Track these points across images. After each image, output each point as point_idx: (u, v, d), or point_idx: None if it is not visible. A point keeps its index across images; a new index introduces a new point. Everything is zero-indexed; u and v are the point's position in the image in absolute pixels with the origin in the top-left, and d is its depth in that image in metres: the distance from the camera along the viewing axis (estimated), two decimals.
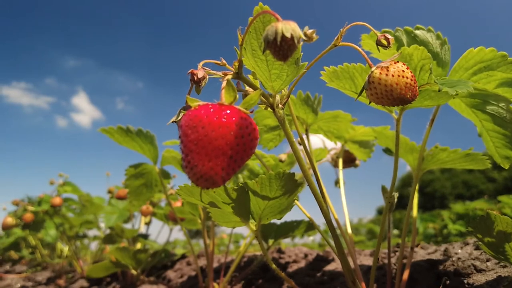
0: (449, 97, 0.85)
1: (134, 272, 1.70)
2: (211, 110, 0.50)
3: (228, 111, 0.51)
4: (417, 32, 0.89)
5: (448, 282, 1.11)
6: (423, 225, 3.72)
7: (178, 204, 1.89)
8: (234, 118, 0.50)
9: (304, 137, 1.24)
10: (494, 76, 0.83)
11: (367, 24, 0.70)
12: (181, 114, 0.63)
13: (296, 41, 0.50)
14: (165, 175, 1.65)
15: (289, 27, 0.49)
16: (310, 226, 1.39)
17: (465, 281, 1.06)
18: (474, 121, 0.94)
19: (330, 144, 1.46)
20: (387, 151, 1.33)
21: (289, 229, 1.39)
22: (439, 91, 0.69)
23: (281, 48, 0.50)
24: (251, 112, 0.55)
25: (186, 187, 0.84)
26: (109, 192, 2.72)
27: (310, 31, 0.56)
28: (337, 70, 0.85)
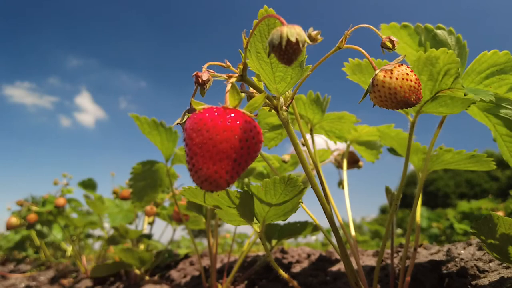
0: (464, 107, 0.84)
1: (138, 272, 1.71)
2: (216, 113, 0.51)
3: (233, 115, 0.51)
4: (438, 31, 0.88)
5: (451, 283, 1.11)
6: (428, 225, 3.71)
7: (182, 203, 1.90)
8: (238, 122, 0.50)
9: (309, 136, 1.24)
10: (507, 79, 0.81)
11: (372, 27, 0.70)
12: (185, 117, 0.63)
13: (301, 45, 0.50)
14: (172, 174, 1.66)
15: (294, 31, 0.49)
16: (313, 227, 1.39)
17: (468, 282, 1.06)
18: (487, 125, 0.93)
19: (333, 145, 1.45)
20: (391, 150, 1.32)
21: (293, 230, 1.39)
22: (464, 95, 0.68)
23: (286, 52, 0.50)
24: (255, 115, 0.55)
25: (190, 189, 0.84)
26: (114, 192, 2.73)
27: (315, 32, 0.56)
28: (361, 63, 0.84)
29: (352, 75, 0.89)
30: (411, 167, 1.12)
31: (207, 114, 0.50)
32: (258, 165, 1.42)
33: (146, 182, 1.51)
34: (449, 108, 0.87)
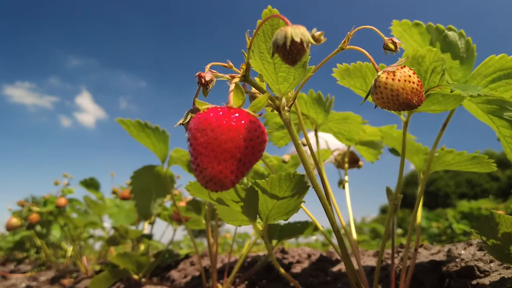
0: (456, 103, 0.85)
1: (136, 277, 1.71)
2: (220, 113, 0.51)
3: (237, 114, 0.51)
4: (449, 33, 0.88)
5: (451, 283, 1.11)
6: (428, 225, 3.72)
7: (182, 204, 1.90)
8: (243, 121, 0.51)
9: (313, 136, 1.24)
10: None
11: (374, 28, 0.71)
12: (189, 117, 0.63)
13: (305, 45, 0.50)
14: (170, 175, 1.65)
15: (298, 32, 0.50)
16: (314, 227, 1.39)
17: (469, 283, 1.06)
18: (491, 126, 0.93)
19: (333, 144, 1.45)
20: (393, 151, 1.32)
21: (293, 230, 1.39)
22: (451, 91, 0.69)
23: (291, 52, 0.50)
24: (260, 115, 0.55)
25: (195, 183, 0.85)
26: (114, 192, 2.72)
27: (318, 33, 0.56)
28: (349, 68, 0.85)
29: (341, 80, 0.89)
30: (411, 167, 1.12)
31: (212, 114, 0.50)
32: (259, 165, 1.42)
33: (146, 197, 1.50)
34: (442, 105, 0.87)
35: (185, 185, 0.89)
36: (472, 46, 0.88)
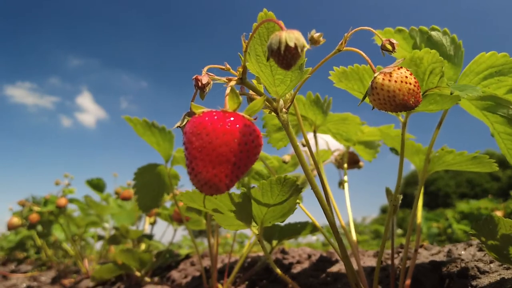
0: (453, 102, 0.85)
1: (138, 273, 1.71)
2: (215, 117, 0.51)
3: (232, 118, 0.51)
4: (432, 33, 0.87)
5: (451, 284, 1.11)
6: (427, 225, 3.71)
7: (182, 204, 1.90)
8: (238, 125, 0.51)
9: (312, 137, 1.24)
10: (506, 81, 0.81)
11: (372, 29, 0.70)
12: (185, 120, 0.63)
13: (299, 50, 0.50)
14: (173, 175, 1.66)
15: (292, 36, 0.50)
16: (313, 228, 1.39)
17: (469, 283, 1.06)
18: (485, 122, 0.93)
19: (333, 145, 1.46)
20: (393, 150, 1.32)
21: (293, 231, 1.39)
22: (451, 94, 0.68)
23: (285, 57, 0.50)
24: (255, 118, 0.55)
25: (187, 193, 0.85)
26: (116, 193, 2.72)
27: (317, 34, 0.56)
28: (346, 71, 0.85)
29: (338, 83, 0.89)
30: (411, 166, 1.12)
31: (207, 118, 0.51)
32: (259, 165, 1.42)
33: (148, 191, 1.51)
34: (439, 105, 0.87)
35: (185, 186, 0.89)
36: (458, 43, 0.87)
